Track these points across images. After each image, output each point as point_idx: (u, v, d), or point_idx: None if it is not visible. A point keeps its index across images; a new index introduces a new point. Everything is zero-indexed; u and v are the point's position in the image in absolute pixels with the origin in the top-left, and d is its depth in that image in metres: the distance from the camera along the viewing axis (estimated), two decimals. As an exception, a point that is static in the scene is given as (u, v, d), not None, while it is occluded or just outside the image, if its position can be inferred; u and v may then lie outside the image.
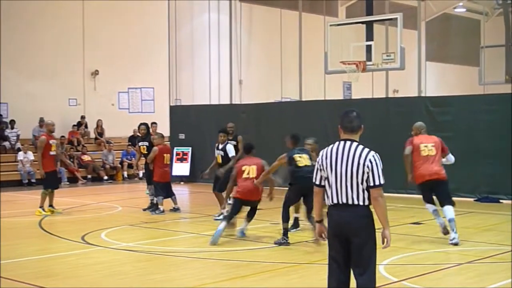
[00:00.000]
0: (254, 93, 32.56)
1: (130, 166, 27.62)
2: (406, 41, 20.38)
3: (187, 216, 16.98)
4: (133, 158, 27.76)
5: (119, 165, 28.17)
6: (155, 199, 17.13)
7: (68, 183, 26.03)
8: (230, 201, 14.45)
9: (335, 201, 6.60)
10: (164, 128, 27.48)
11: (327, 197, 6.69)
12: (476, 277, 9.70)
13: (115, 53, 30.33)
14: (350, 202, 6.53)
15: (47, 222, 15.75)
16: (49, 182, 16.93)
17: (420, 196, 16.01)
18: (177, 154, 25.74)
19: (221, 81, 31.28)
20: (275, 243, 12.53)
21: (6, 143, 26.58)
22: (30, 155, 25.43)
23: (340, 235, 6.59)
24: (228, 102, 28.93)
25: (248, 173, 13.11)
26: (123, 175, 28.02)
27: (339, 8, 38.66)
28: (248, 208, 13.38)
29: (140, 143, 17.83)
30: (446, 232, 12.77)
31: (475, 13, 42.93)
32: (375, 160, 6.52)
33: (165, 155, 17.01)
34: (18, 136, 26.95)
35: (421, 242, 12.80)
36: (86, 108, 29.69)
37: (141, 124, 18.19)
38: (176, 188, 18.17)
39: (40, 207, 16.82)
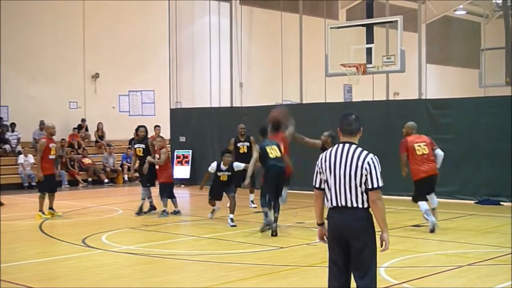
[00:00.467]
0: (254, 96, 32.58)
1: (129, 169, 27.61)
2: (407, 44, 20.39)
3: (187, 219, 16.97)
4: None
5: (120, 168, 28.18)
6: (147, 200, 17.34)
7: (68, 186, 26.04)
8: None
9: (334, 204, 6.61)
10: (164, 131, 27.51)
11: (327, 200, 6.70)
12: (477, 279, 9.70)
13: (115, 56, 30.36)
14: (349, 205, 6.53)
15: (48, 225, 15.75)
16: (45, 186, 16.86)
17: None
18: (178, 157, 25.75)
19: (221, 84, 31.28)
20: (261, 231, 14.06)
21: (7, 146, 26.58)
22: (31, 158, 25.41)
23: (339, 238, 6.59)
24: (228, 105, 28.93)
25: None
26: (123, 178, 28.02)
27: (340, 11, 38.69)
28: None
29: (137, 145, 17.69)
30: (433, 230, 13.80)
31: (475, 16, 42.95)
32: (373, 162, 6.53)
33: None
34: (18, 139, 26.96)
35: (421, 245, 12.81)
36: (87, 111, 29.71)
37: (141, 126, 18.06)
38: (177, 191, 18.16)
39: (40, 210, 16.81)
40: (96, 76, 29.96)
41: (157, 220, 16.28)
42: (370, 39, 20.55)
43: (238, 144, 18.33)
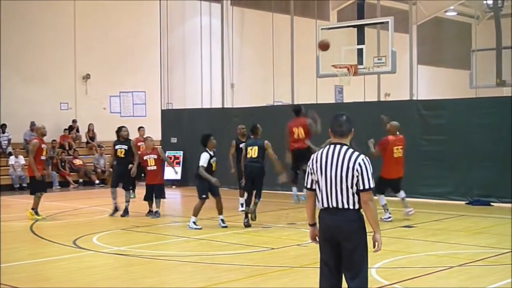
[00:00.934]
0: (246, 97, 32.57)
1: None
2: (398, 45, 20.40)
3: (178, 220, 16.97)
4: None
5: (111, 169, 28.05)
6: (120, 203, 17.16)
7: (59, 187, 25.98)
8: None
9: (325, 205, 6.61)
10: (155, 132, 27.47)
11: (318, 201, 6.69)
12: (468, 280, 9.72)
13: (106, 57, 30.31)
14: (340, 206, 6.53)
15: (39, 226, 15.71)
16: (38, 186, 16.77)
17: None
18: (169, 158, 25.69)
19: (213, 85, 31.25)
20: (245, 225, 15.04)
21: (-3, 148, 26.52)
22: (22, 160, 25.35)
23: (331, 239, 6.59)
24: (220, 106, 28.93)
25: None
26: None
27: (331, 12, 38.70)
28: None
29: (118, 146, 17.42)
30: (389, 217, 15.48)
31: (466, 17, 43.06)
32: (364, 164, 6.52)
33: None
34: (9, 140, 26.89)
35: (412, 245, 12.84)
36: (78, 112, 29.64)
37: (123, 126, 17.74)
38: (168, 192, 18.14)
39: (33, 209, 16.68)
40: (87, 77, 29.90)
41: (148, 221, 16.27)
42: (361, 40, 20.56)
43: (241, 145, 17.72)
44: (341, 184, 6.51)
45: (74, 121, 29.34)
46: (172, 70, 31.22)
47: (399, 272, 10.29)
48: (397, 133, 15.96)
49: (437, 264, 10.96)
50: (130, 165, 17.47)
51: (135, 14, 31.34)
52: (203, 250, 12.60)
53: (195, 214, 14.93)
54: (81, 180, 27.19)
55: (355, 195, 6.51)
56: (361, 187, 6.48)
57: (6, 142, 26.78)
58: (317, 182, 6.67)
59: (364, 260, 6.57)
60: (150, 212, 17.03)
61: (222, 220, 15.13)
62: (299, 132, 17.54)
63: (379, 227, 6.59)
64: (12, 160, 25.60)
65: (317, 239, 6.81)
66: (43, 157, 16.76)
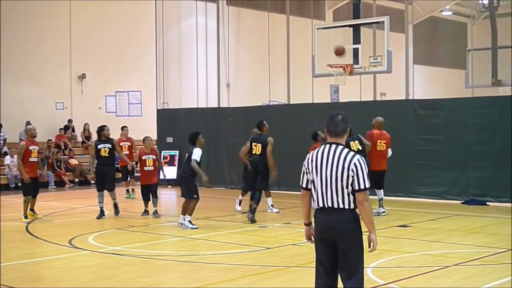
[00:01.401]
0: (242, 97, 32.58)
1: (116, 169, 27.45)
2: (394, 44, 20.42)
3: (174, 220, 16.95)
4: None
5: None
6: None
7: (55, 187, 25.95)
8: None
9: (321, 204, 6.60)
10: (151, 131, 27.44)
11: (313, 200, 6.68)
12: (463, 280, 9.71)
13: (102, 57, 30.29)
14: (335, 206, 6.52)
15: (34, 226, 15.68)
16: (28, 189, 16.37)
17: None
18: (165, 157, 25.67)
19: (208, 84, 31.28)
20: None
21: (-7, 147, 26.48)
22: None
23: (326, 239, 6.59)
24: (215, 105, 28.93)
25: None
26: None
27: (326, 12, 38.73)
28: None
29: (102, 145, 16.82)
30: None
31: (462, 16, 43.12)
32: (360, 163, 6.50)
33: None
34: (5, 140, 26.85)
35: (408, 245, 12.83)
36: (73, 111, 29.62)
37: (105, 125, 17.24)
38: (164, 192, 18.12)
39: (24, 214, 16.49)
40: (82, 76, 29.88)
41: (144, 221, 16.26)
42: (357, 39, 20.53)
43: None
44: (336, 184, 6.49)
45: (69, 121, 29.32)
46: (168, 70, 31.24)
47: (395, 272, 10.28)
48: (382, 128, 16.99)
49: (433, 263, 10.96)
50: (130, 164, 17.41)
51: (131, 14, 31.32)
52: (199, 250, 12.58)
53: (190, 213, 14.87)
54: (76, 180, 27.16)
55: (350, 195, 6.49)
56: (357, 187, 6.47)
57: (2, 141, 26.74)
58: (312, 181, 6.65)
59: (359, 260, 6.57)
60: (146, 212, 16.98)
61: (190, 222, 14.88)
62: None
63: (374, 227, 6.58)
64: (7, 160, 25.56)
65: (313, 239, 6.80)
66: (32, 159, 16.31)
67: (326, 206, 6.56)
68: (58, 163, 27.03)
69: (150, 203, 16.90)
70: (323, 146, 6.70)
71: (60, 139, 28.52)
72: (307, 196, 6.77)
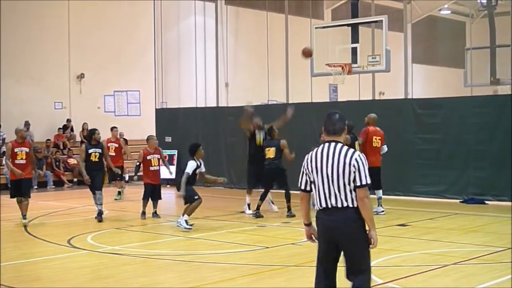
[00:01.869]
0: (240, 96, 32.51)
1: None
2: (392, 44, 20.41)
3: (173, 219, 16.93)
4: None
5: (105, 168, 28.01)
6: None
7: (54, 186, 25.94)
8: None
9: (323, 205, 6.54)
10: (150, 131, 27.40)
11: (315, 201, 6.63)
12: (462, 279, 9.71)
13: (101, 56, 30.26)
14: (339, 205, 6.47)
15: (33, 226, 15.67)
16: (14, 191, 15.88)
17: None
18: (164, 157, 25.60)
19: (207, 84, 31.23)
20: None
21: (-8, 147, 26.43)
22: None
23: (330, 240, 6.55)
24: (214, 104, 28.91)
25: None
26: (109, 179, 27.88)
27: (325, 11, 38.70)
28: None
29: (92, 150, 16.37)
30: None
31: (460, 15, 43.07)
32: (361, 159, 6.48)
33: None
34: (3, 139, 26.77)
35: (407, 244, 12.83)
36: (72, 111, 29.58)
37: (95, 129, 16.85)
38: (163, 191, 18.05)
39: (22, 214, 15.90)
40: (81, 76, 29.85)
41: (142, 221, 16.25)
42: (355, 39, 20.57)
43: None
44: (338, 181, 6.45)
45: (68, 121, 29.29)
46: (167, 69, 31.22)
47: (394, 271, 10.28)
48: (375, 124, 17.16)
49: (431, 262, 10.96)
50: (114, 170, 17.31)
51: (129, 13, 31.30)
52: (197, 249, 12.58)
53: (190, 213, 14.76)
54: (75, 180, 27.10)
55: (353, 192, 6.46)
56: (358, 183, 6.44)
57: (0, 141, 26.70)
58: (313, 182, 6.62)
59: (366, 258, 6.55)
60: (144, 213, 16.75)
61: (186, 221, 14.64)
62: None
63: (374, 225, 6.56)
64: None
65: (313, 238, 6.78)
66: (18, 161, 15.70)
67: (329, 206, 6.51)
68: (57, 163, 27.02)
69: (150, 203, 16.73)
70: (321, 145, 6.65)
71: (59, 138, 28.50)
72: (306, 198, 6.75)
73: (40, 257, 12.02)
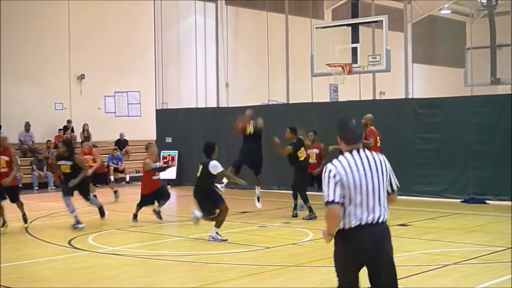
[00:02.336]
0: (241, 96, 32.55)
1: (116, 170, 27.48)
2: (392, 43, 20.43)
3: (173, 220, 16.95)
4: (120, 162, 27.70)
5: (106, 169, 28.05)
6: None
7: (54, 187, 25.93)
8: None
9: (364, 221, 5.89)
10: (150, 131, 27.51)
11: (350, 218, 5.90)
12: (462, 278, 9.72)
13: (101, 57, 30.26)
14: (381, 219, 5.96)
15: (34, 227, 15.69)
16: None
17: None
18: (164, 157, 25.69)
19: (207, 84, 31.27)
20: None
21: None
22: (17, 160, 25.19)
23: (364, 260, 5.97)
24: (214, 105, 28.93)
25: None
26: (109, 179, 27.90)
27: (325, 11, 38.73)
28: None
29: (62, 162, 15.28)
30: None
31: (460, 15, 43.09)
32: (386, 161, 6.15)
33: None
34: None
35: (407, 244, 12.82)
36: (72, 112, 29.59)
37: (65, 141, 16.14)
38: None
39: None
40: (81, 77, 29.85)
41: (142, 221, 16.25)
42: (355, 39, 20.59)
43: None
44: (379, 191, 5.95)
45: (69, 121, 29.27)
46: (167, 70, 31.24)
47: (394, 271, 10.27)
48: (372, 124, 17.56)
49: (432, 262, 10.97)
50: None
51: (129, 14, 31.30)
52: (198, 250, 12.58)
53: (219, 225, 13.34)
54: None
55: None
56: (395, 187, 6.18)
57: (1, 142, 26.66)
58: (349, 197, 5.89)
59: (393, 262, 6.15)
60: (135, 216, 16.29)
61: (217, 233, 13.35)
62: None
63: None
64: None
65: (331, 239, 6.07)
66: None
67: (370, 221, 5.91)
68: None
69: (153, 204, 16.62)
70: (348, 155, 6.02)
71: (59, 139, 28.43)
72: (341, 212, 5.92)
73: (41, 258, 12.02)
